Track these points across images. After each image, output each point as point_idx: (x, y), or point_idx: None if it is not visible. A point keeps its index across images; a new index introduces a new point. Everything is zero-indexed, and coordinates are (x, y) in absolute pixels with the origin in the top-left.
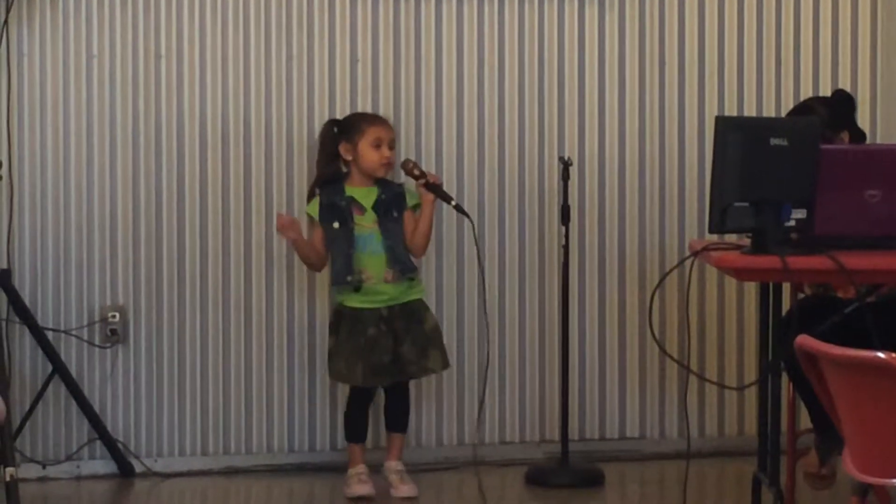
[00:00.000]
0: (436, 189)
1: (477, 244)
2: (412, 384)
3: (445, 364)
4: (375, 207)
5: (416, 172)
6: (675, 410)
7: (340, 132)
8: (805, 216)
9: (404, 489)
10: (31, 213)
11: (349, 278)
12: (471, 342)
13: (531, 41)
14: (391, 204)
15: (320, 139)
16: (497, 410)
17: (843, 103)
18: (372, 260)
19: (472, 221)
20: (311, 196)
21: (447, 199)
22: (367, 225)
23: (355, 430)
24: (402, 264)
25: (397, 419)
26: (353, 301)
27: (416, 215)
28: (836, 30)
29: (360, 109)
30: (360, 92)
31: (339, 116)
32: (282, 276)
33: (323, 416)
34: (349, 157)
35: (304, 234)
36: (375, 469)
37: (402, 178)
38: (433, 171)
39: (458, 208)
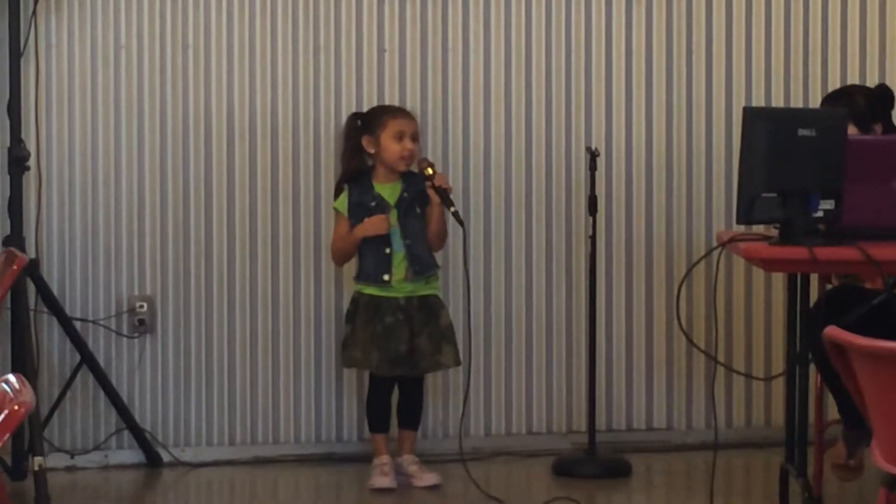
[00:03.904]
0: (440, 192)
1: (465, 251)
2: (435, 376)
3: (457, 361)
4: (398, 205)
5: (429, 172)
6: (703, 401)
7: (363, 125)
8: (833, 207)
9: (428, 478)
10: (58, 203)
11: (386, 277)
12: (497, 335)
13: (558, 31)
14: (414, 200)
15: (344, 133)
16: (524, 401)
17: (883, 97)
18: (395, 258)
19: (464, 230)
20: (338, 191)
21: (448, 204)
22: (391, 223)
23: (377, 419)
24: (421, 264)
25: (410, 416)
26: (372, 289)
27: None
28: (864, 19)
29: (387, 100)
30: (388, 82)
31: (366, 107)
32: (308, 266)
33: (350, 406)
34: (372, 150)
35: (331, 228)
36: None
37: None
38: (459, 162)
39: (456, 215)
